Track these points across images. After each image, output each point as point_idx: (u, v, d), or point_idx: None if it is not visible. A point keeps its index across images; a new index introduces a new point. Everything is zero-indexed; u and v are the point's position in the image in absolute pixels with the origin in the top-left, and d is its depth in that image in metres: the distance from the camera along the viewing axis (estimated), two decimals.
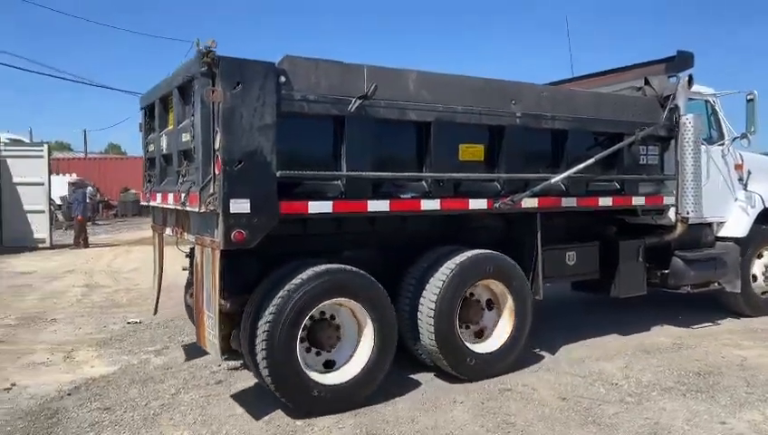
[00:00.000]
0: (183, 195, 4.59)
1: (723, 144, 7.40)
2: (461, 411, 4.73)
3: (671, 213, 6.76)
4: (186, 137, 4.60)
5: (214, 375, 5.58)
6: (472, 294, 5.56)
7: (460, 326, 5.50)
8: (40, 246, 16.51)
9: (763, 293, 7.80)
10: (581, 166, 5.73)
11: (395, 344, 4.94)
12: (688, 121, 6.58)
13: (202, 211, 4.27)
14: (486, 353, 5.44)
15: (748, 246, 7.49)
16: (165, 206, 5.39)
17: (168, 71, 5.12)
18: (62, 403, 4.96)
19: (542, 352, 6.20)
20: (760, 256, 7.77)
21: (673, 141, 6.66)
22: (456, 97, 5.20)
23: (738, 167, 7.62)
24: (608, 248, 6.52)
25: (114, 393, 5.18)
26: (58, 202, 22.68)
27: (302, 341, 4.65)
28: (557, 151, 5.89)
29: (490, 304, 5.66)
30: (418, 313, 5.19)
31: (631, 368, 5.78)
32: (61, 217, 22.96)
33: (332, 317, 4.86)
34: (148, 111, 6.02)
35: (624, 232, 6.99)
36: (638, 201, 6.39)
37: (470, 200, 5.30)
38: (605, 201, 6.14)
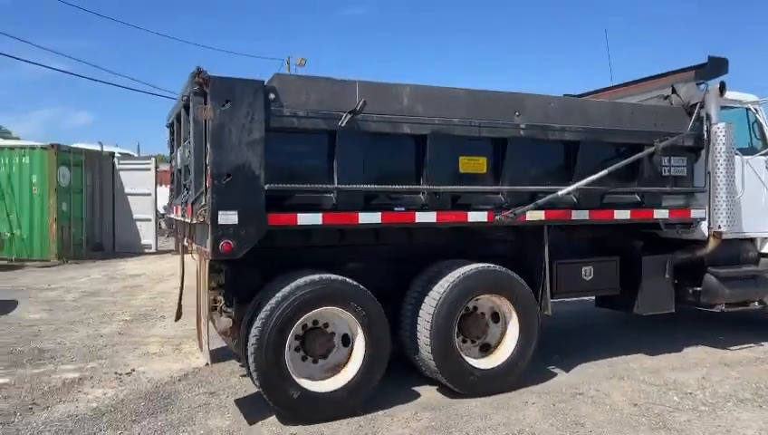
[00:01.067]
0: (182, 207, 4.86)
1: (766, 154, 6.95)
2: (532, 411, 4.99)
3: (703, 227, 6.42)
4: (187, 153, 4.88)
5: None
6: (475, 308, 5.51)
7: (464, 341, 5.49)
8: (146, 251, 17.85)
9: None
10: (592, 178, 5.57)
11: (386, 356, 4.97)
12: (720, 130, 6.25)
13: (194, 223, 4.51)
14: (489, 369, 5.36)
15: None
16: (178, 218, 5.71)
17: None
18: (174, 387, 5.56)
19: (617, 361, 6.37)
20: None
21: (703, 152, 6.36)
22: (453, 110, 5.21)
23: None
24: (630, 263, 6.27)
25: (217, 380, 5.73)
26: (161, 211, 24.25)
27: (296, 349, 4.80)
28: (568, 163, 5.76)
29: (495, 319, 5.59)
30: (417, 326, 5.21)
31: (708, 379, 5.82)
32: (163, 225, 24.55)
33: (326, 326, 4.97)
34: (171, 128, 6.41)
35: (654, 247, 6.70)
36: (660, 214, 6.11)
37: (469, 213, 5.26)
38: (622, 214, 5.91)
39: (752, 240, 6.99)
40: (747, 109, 6.98)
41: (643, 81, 7.05)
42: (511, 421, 4.75)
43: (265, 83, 4.56)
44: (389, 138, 5.04)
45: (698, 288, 6.60)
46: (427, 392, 5.36)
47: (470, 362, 5.29)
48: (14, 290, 11.13)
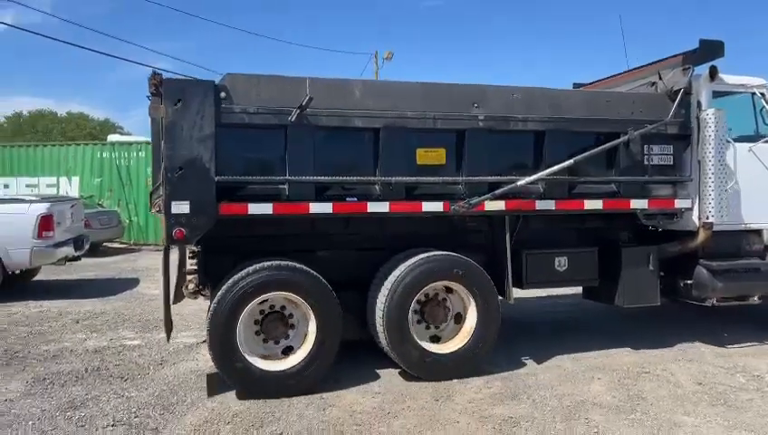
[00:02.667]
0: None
1: None
2: (597, 385, 5.35)
3: (692, 218, 6.20)
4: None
5: None
6: (437, 295, 5.64)
7: (428, 326, 5.65)
8: None
9: None
10: (554, 169, 5.54)
11: (338, 338, 5.21)
12: (709, 117, 6.01)
13: (153, 212, 4.97)
14: (446, 353, 5.49)
15: None
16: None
17: None
18: None
19: (688, 346, 6.56)
20: None
21: (693, 140, 6.13)
22: (408, 103, 5.36)
23: None
24: (612, 255, 6.17)
25: None
26: None
27: (255, 332, 5.17)
28: (537, 154, 5.73)
29: (459, 304, 5.69)
30: (375, 312, 5.42)
31: None
32: None
33: (283, 308, 5.29)
34: None
35: (645, 238, 6.54)
36: (638, 205, 5.95)
37: (424, 203, 5.40)
38: (593, 204, 5.83)
39: (757, 232, 6.63)
40: (753, 93, 6.61)
41: (637, 69, 6.84)
42: (575, 392, 5.14)
43: (217, 83, 4.92)
44: (342, 131, 5.26)
45: (690, 281, 6.37)
46: (502, 366, 5.79)
47: (425, 347, 5.43)
48: (135, 270, 12.88)
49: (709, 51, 6.15)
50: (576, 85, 7.84)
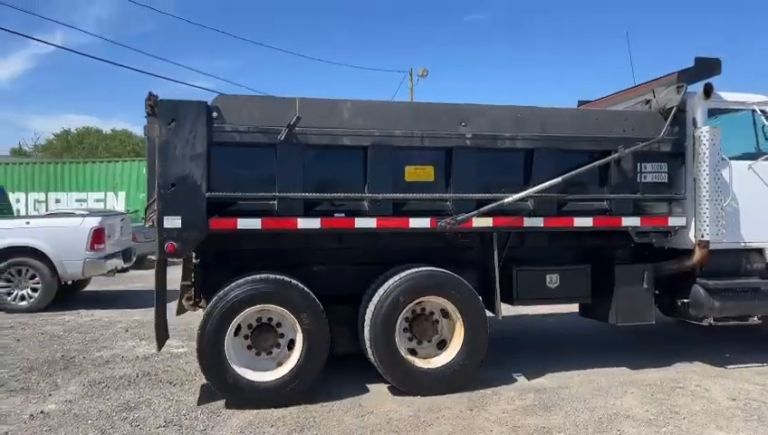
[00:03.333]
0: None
1: None
2: (630, 399, 5.43)
3: (689, 236, 6.16)
4: None
5: None
6: (423, 310, 5.72)
7: (420, 342, 5.72)
8: None
9: None
10: (543, 186, 5.60)
11: (326, 347, 5.34)
12: (703, 135, 5.98)
13: (148, 226, 5.19)
14: (432, 369, 5.55)
15: None
16: None
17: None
18: None
19: (727, 362, 6.55)
20: None
21: (688, 157, 6.11)
22: (396, 122, 5.49)
23: None
24: (605, 272, 6.16)
25: None
26: None
27: (242, 343, 5.32)
28: (524, 171, 5.79)
29: (446, 320, 5.75)
30: (364, 327, 5.52)
31: None
32: None
33: (270, 320, 5.42)
34: None
35: (641, 256, 6.51)
36: (630, 222, 5.94)
37: (411, 219, 5.50)
38: (583, 222, 5.84)
39: (759, 251, 6.53)
40: (753, 111, 6.54)
41: (635, 87, 6.84)
42: (608, 405, 5.24)
43: (209, 103, 5.15)
44: (331, 149, 5.42)
45: (687, 300, 6.30)
46: (534, 379, 5.99)
47: (412, 362, 5.51)
48: (177, 282, 13.07)
49: (705, 68, 6.14)
50: (581, 103, 7.87)
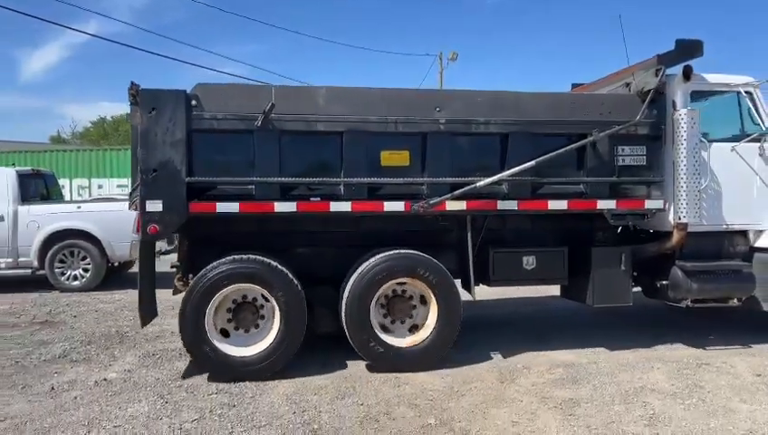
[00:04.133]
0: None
1: (761, 140, 6.42)
2: (656, 373, 5.63)
3: (668, 218, 6.20)
4: None
5: None
6: (403, 292, 5.90)
7: (394, 321, 5.92)
8: None
9: None
10: (515, 170, 5.70)
11: (303, 326, 5.56)
12: (681, 117, 5.99)
13: (132, 210, 5.47)
14: (405, 347, 5.74)
15: None
16: None
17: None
18: None
19: (753, 341, 6.67)
20: None
21: (668, 140, 6.12)
22: (371, 108, 5.64)
23: None
24: (582, 254, 6.25)
25: None
26: None
27: (223, 319, 5.59)
28: (498, 155, 5.88)
29: (423, 301, 5.93)
30: (341, 306, 5.73)
31: None
32: None
33: (254, 299, 5.68)
34: None
35: (625, 238, 6.58)
36: (605, 205, 6.00)
37: (385, 203, 5.66)
38: (558, 205, 5.92)
39: (742, 233, 6.53)
40: (738, 93, 6.50)
41: (621, 71, 6.83)
42: (634, 380, 5.45)
43: (188, 92, 5.37)
44: (307, 135, 5.60)
45: (666, 282, 6.36)
46: (562, 355, 6.23)
47: (385, 340, 5.70)
48: None
49: (686, 50, 6.11)
50: (574, 86, 7.88)
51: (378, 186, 5.71)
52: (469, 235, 5.89)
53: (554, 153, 5.79)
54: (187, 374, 5.61)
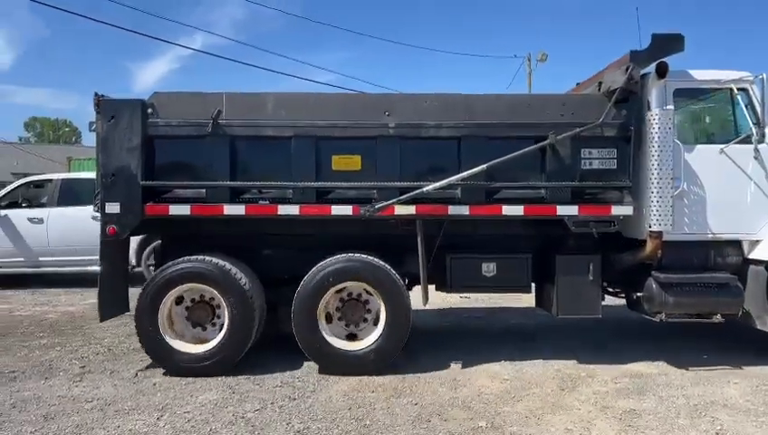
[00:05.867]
0: None
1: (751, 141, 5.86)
2: (731, 389, 5.41)
3: (643, 226, 5.80)
4: None
5: None
6: (350, 294, 5.91)
7: (348, 324, 5.95)
8: None
9: None
10: (464, 174, 5.57)
11: (251, 328, 5.71)
12: (653, 118, 5.60)
13: (95, 212, 5.86)
14: (351, 351, 5.75)
15: None
16: None
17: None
18: None
19: None
20: None
21: (645, 143, 5.73)
22: (321, 113, 5.71)
23: None
24: (548, 262, 5.99)
25: None
26: None
27: (181, 315, 5.86)
28: (451, 159, 5.73)
29: (373, 306, 5.91)
30: (292, 308, 5.83)
31: None
32: None
33: (212, 299, 5.91)
34: None
35: (606, 246, 6.21)
36: (566, 211, 5.68)
37: (333, 207, 5.71)
38: (513, 210, 5.69)
39: (734, 243, 5.98)
40: (731, 90, 5.96)
41: (601, 71, 6.46)
42: (706, 394, 5.25)
43: (145, 101, 5.69)
44: (256, 140, 5.74)
45: (641, 293, 5.95)
46: (631, 365, 6.06)
47: (331, 343, 5.73)
48: None
49: (663, 46, 5.69)
50: (578, 85, 7.52)
51: (327, 190, 5.76)
52: (419, 239, 5.80)
53: (506, 157, 5.59)
54: (258, 369, 5.85)
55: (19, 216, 10.75)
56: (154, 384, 5.47)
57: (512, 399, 5.11)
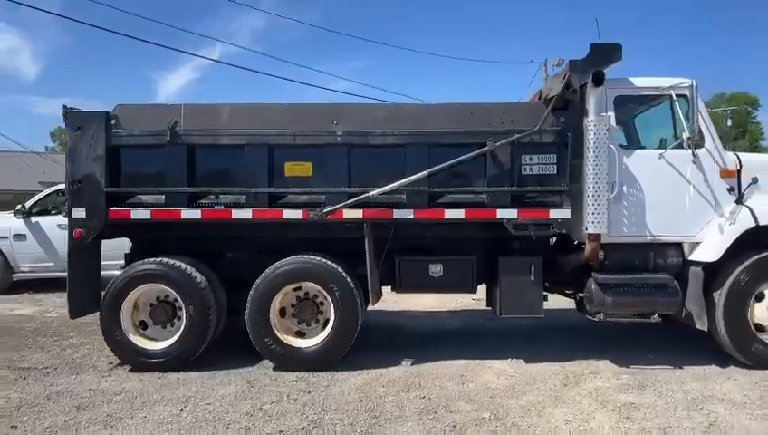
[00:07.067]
0: None
1: (694, 147, 6.03)
2: (730, 384, 5.60)
3: (581, 229, 6.01)
4: None
5: None
6: (309, 295, 6.20)
7: (300, 323, 6.25)
8: None
9: None
10: (407, 180, 5.84)
11: (207, 327, 6.04)
12: (588, 125, 5.82)
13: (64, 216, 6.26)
14: (303, 348, 6.05)
15: (726, 274, 5.94)
16: None
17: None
18: None
19: None
20: (761, 298, 5.98)
21: (583, 148, 5.93)
22: (274, 122, 6.04)
23: (728, 174, 6.09)
24: (491, 263, 6.23)
25: None
26: None
27: (145, 313, 6.21)
28: (398, 166, 5.99)
29: (322, 305, 6.20)
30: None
31: None
32: None
33: (174, 299, 6.25)
34: None
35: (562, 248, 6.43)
36: (505, 214, 5.93)
37: (284, 211, 6.02)
38: (454, 214, 5.95)
39: (675, 245, 6.15)
40: (670, 96, 6.14)
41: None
42: (705, 389, 5.44)
43: (109, 113, 6.08)
44: (212, 148, 6.09)
45: (583, 294, 6.16)
46: (634, 364, 6.19)
47: (285, 341, 6.04)
48: None
49: (601, 55, 5.89)
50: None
51: (279, 195, 6.08)
52: (366, 242, 6.07)
53: (447, 163, 5.85)
54: (276, 365, 6.13)
55: (49, 222, 11.23)
56: (177, 379, 5.83)
57: (516, 393, 5.36)
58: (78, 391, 5.50)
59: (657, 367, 6.06)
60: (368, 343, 6.85)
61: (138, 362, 6.05)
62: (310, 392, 5.41)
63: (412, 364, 6.18)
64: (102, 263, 6.76)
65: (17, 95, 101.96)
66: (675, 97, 6.09)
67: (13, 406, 5.12)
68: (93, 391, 5.52)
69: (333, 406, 5.06)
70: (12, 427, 4.67)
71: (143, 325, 6.25)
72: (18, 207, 11.52)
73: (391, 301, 9.48)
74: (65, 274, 6.28)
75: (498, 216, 5.96)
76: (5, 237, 11.25)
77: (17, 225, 11.24)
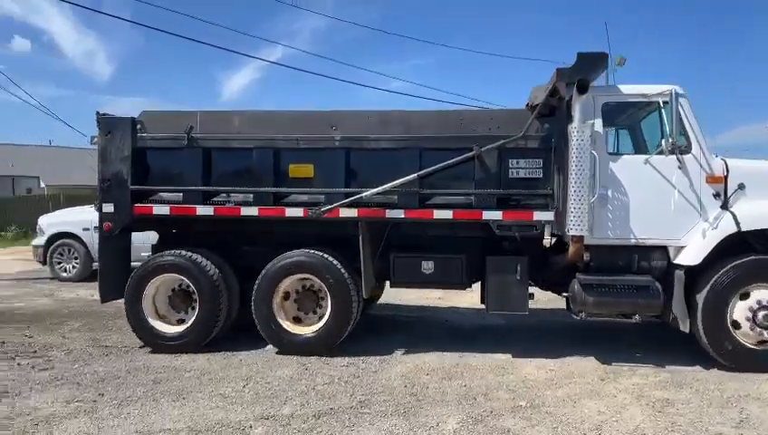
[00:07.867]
0: None
1: (679, 153, 6.19)
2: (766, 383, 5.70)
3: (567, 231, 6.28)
4: None
5: None
6: (312, 286, 6.73)
7: (306, 312, 6.80)
8: None
9: (760, 343, 6.05)
10: (397, 182, 6.27)
11: (218, 313, 6.67)
12: (572, 131, 6.07)
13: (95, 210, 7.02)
14: (300, 335, 6.59)
15: (707, 277, 6.07)
16: None
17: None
18: None
19: None
20: (743, 297, 6.08)
21: (567, 153, 6.19)
22: (279, 128, 6.60)
23: (714, 180, 6.21)
24: (480, 262, 6.58)
25: None
26: None
27: (160, 301, 6.90)
28: (390, 168, 6.40)
29: (322, 296, 6.73)
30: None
31: None
32: None
33: (189, 287, 6.92)
34: None
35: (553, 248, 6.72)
36: (491, 216, 6.25)
37: (287, 209, 6.57)
38: (443, 214, 6.33)
39: (660, 249, 6.32)
40: (658, 103, 6.31)
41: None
42: (742, 388, 5.54)
43: (135, 118, 6.79)
44: (225, 151, 6.71)
45: (567, 294, 6.42)
46: (675, 362, 6.38)
47: (285, 327, 6.60)
48: None
49: (587, 64, 6.12)
50: None
51: (282, 194, 6.63)
52: (361, 239, 6.53)
53: (436, 167, 6.25)
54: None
55: None
56: (240, 360, 6.43)
57: (553, 385, 5.61)
58: (154, 367, 6.19)
59: (698, 368, 6.16)
60: (413, 335, 7.52)
61: (152, 342, 6.75)
62: (359, 377, 5.87)
63: (455, 356, 6.54)
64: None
65: (93, 94, 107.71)
66: (662, 104, 6.26)
67: (99, 378, 5.84)
68: (167, 367, 6.17)
69: (380, 389, 5.51)
70: (99, 394, 5.36)
71: (163, 311, 6.94)
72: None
73: (434, 297, 10.15)
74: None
75: (484, 217, 6.29)
76: (87, 229, 12.40)
77: (97, 217, 12.26)
